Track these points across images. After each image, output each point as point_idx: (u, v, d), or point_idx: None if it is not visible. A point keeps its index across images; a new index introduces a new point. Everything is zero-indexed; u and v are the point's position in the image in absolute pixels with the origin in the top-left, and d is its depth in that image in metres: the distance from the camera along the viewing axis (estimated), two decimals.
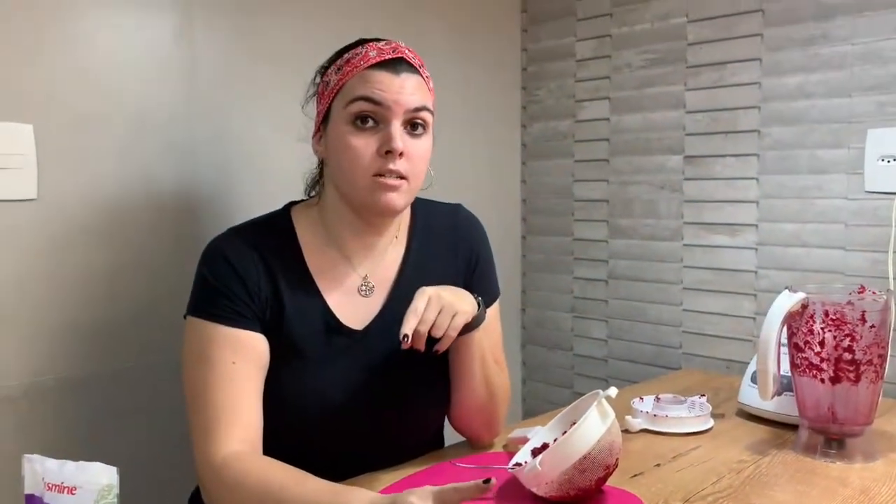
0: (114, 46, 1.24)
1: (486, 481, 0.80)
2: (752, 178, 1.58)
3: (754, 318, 1.59)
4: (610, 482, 0.98)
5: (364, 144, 1.00)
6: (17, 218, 1.16)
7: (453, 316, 0.99)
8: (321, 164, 1.12)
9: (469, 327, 1.04)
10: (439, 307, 0.98)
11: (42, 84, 1.17)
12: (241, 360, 0.99)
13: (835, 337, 1.08)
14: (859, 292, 1.11)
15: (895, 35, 1.39)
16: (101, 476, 0.68)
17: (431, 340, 1.01)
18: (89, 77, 1.22)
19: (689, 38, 1.65)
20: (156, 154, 1.30)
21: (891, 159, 1.39)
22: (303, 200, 1.15)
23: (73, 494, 0.67)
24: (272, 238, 1.07)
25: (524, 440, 1.07)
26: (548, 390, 1.97)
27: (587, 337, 1.88)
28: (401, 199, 1.02)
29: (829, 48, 1.47)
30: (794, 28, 1.51)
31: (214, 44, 1.36)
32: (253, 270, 1.02)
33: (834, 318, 1.08)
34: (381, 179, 1.00)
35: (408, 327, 0.95)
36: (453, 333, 1.00)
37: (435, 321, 0.97)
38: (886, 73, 1.40)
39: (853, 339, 1.07)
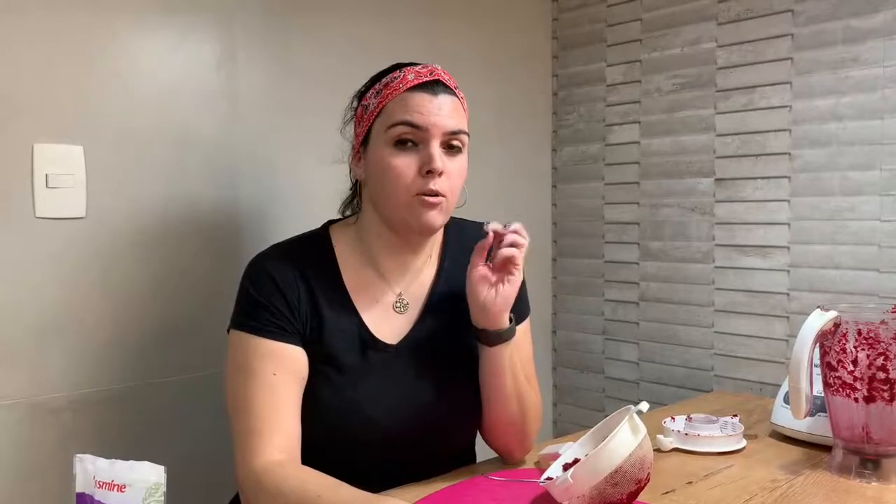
0: (160, 73, 1.30)
1: None
2: (784, 201, 1.58)
3: (787, 341, 1.58)
4: (641, 498, 0.98)
5: (405, 165, 1.03)
6: (66, 235, 1.21)
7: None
8: (356, 185, 1.15)
9: (499, 339, 1.06)
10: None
11: (92, 108, 1.23)
12: (282, 372, 1.02)
13: (868, 356, 1.08)
14: (893, 311, 1.11)
15: None
16: (150, 475, 0.71)
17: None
18: (136, 102, 1.27)
19: (718, 63, 1.67)
20: (198, 175, 1.35)
21: None
22: (341, 219, 1.18)
23: (122, 492, 0.70)
24: (312, 255, 1.10)
25: (556, 456, 1.08)
26: (579, 413, 1.97)
27: (618, 359, 1.89)
28: (439, 216, 1.06)
29: (859, 71, 1.48)
30: (824, 51, 1.52)
31: (255, 70, 1.41)
32: (294, 286, 1.05)
33: (867, 337, 1.08)
34: (422, 198, 1.03)
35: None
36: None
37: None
38: None
39: (887, 359, 1.06)
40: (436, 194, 1.03)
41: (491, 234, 1.05)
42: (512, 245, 1.04)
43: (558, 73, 1.99)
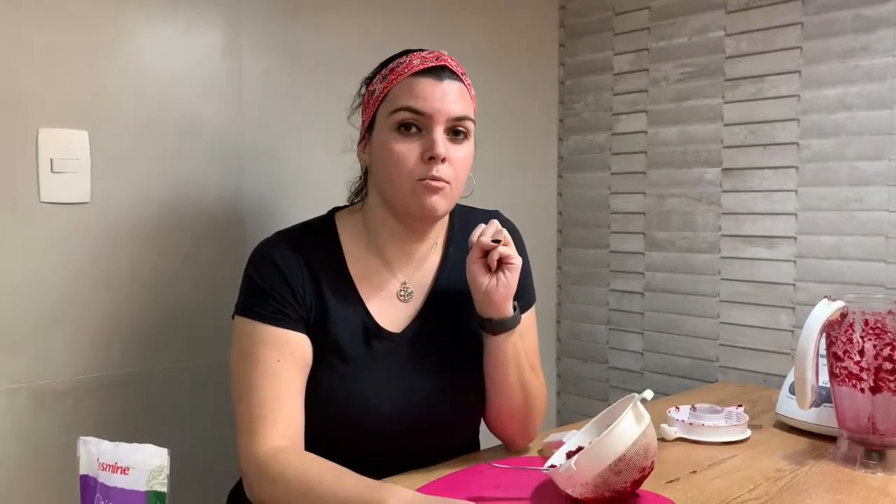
0: (165, 58, 1.29)
1: None
2: (791, 191, 1.57)
3: (792, 332, 1.58)
4: (645, 487, 0.98)
5: (408, 150, 1.02)
6: (71, 220, 1.21)
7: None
8: (365, 172, 1.14)
9: (503, 328, 1.06)
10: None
11: (97, 93, 1.22)
12: (285, 359, 1.01)
13: (875, 346, 1.07)
14: None
15: None
16: (154, 457, 0.71)
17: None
18: (142, 87, 1.27)
19: (726, 52, 1.66)
20: (203, 161, 1.34)
21: None
22: (346, 206, 1.17)
23: (125, 475, 0.70)
24: (316, 242, 1.10)
25: (559, 444, 1.08)
26: (583, 402, 1.97)
27: (623, 349, 1.88)
28: (443, 202, 1.04)
29: (869, 60, 1.46)
30: (833, 40, 1.51)
31: (260, 56, 1.40)
32: (298, 273, 1.05)
33: (874, 327, 1.07)
34: (425, 182, 1.02)
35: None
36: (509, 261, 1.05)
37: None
38: None
39: (894, 349, 1.06)
40: (438, 180, 1.03)
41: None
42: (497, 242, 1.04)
43: (565, 62, 1.98)
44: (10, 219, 1.16)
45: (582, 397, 1.98)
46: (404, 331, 1.10)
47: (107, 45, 1.23)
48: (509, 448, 1.18)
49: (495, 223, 1.07)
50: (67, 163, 1.20)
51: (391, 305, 1.11)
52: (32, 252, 1.18)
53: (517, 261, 1.05)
